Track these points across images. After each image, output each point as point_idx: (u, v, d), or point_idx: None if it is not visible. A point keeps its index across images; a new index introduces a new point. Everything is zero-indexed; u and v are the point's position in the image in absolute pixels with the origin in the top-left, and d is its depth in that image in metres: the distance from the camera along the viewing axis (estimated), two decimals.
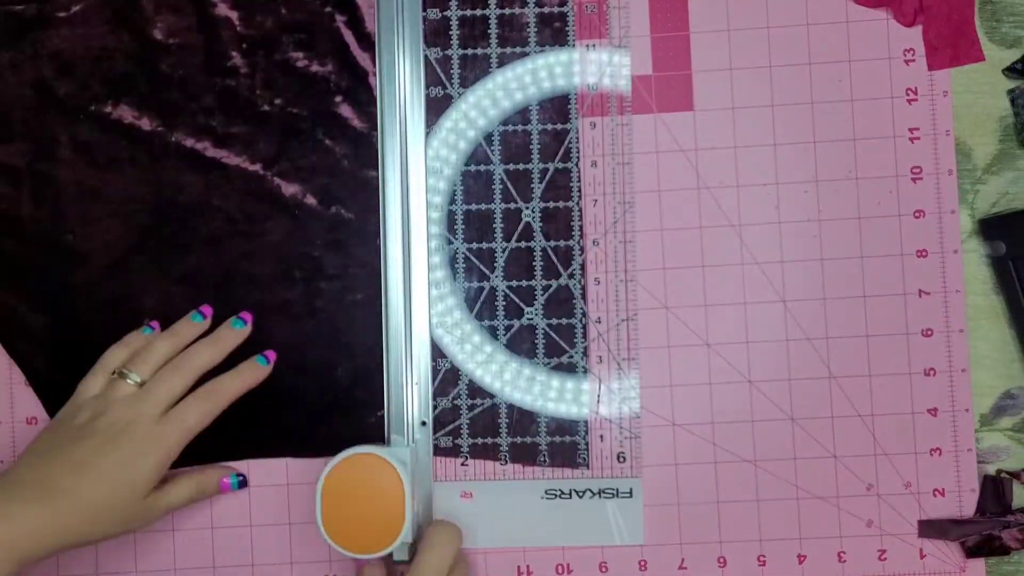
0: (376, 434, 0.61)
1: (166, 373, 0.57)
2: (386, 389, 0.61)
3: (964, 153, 0.61)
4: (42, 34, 0.62)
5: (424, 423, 0.61)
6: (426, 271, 0.61)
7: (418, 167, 0.61)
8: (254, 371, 0.60)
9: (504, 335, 0.61)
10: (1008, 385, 0.61)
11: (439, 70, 0.62)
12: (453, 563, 0.56)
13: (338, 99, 0.62)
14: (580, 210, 0.62)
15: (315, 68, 0.62)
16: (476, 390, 0.61)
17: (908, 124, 0.61)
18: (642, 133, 0.62)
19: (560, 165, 0.62)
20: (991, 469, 0.61)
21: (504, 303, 0.61)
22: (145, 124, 0.62)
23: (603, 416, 0.61)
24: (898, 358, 0.61)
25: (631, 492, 0.60)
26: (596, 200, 0.61)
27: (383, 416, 0.61)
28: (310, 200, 0.62)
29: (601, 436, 0.61)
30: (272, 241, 0.62)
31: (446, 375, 0.61)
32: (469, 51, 0.62)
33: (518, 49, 0.62)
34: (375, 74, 0.62)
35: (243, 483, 0.61)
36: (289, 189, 0.62)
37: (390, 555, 0.57)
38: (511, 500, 0.61)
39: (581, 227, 0.61)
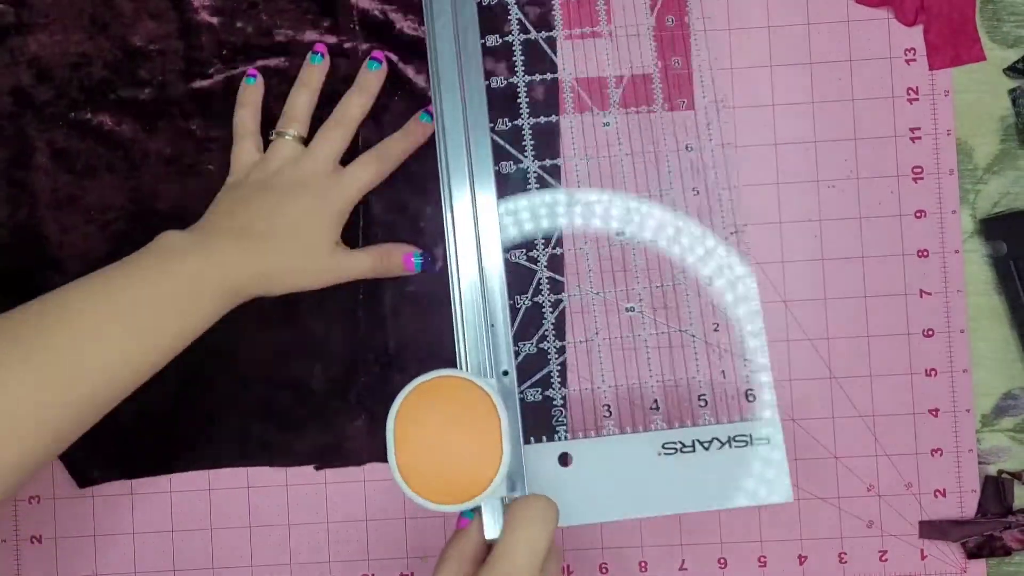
0: (358, 438, 0.61)
1: (328, 130, 0.58)
2: (457, 334, 0.53)
3: (965, 153, 0.61)
4: (19, 40, 0.62)
5: (506, 372, 0.52)
6: (493, 188, 0.54)
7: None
8: (422, 129, 0.59)
9: (595, 256, 0.52)
10: (1009, 386, 0.61)
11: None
12: (547, 550, 0.46)
13: (321, 105, 0.61)
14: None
15: (295, 74, 0.61)
16: (564, 330, 0.53)
17: (909, 124, 0.61)
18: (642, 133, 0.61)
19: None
20: (992, 470, 0.61)
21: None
22: (124, 130, 0.62)
23: (722, 348, 0.52)
24: (899, 358, 0.60)
25: (768, 439, 0.51)
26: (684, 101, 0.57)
27: (360, 424, 0.60)
28: None
29: (723, 372, 0.53)
30: None
31: (528, 314, 0.53)
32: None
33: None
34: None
35: (427, 264, 0.59)
36: None
37: (476, 535, 0.48)
38: (620, 461, 0.51)
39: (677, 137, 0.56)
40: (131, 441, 0.61)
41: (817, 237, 0.61)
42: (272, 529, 0.61)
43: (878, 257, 0.61)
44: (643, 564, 0.61)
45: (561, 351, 0.54)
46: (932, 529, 0.60)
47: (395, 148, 0.59)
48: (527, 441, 0.52)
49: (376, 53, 0.60)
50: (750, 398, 0.52)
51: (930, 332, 0.61)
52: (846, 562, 0.60)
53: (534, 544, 0.44)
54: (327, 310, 0.61)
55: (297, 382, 0.61)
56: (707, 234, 0.52)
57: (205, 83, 0.62)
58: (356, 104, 0.59)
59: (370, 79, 0.60)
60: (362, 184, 0.57)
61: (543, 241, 0.55)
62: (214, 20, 0.62)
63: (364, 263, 0.58)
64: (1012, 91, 0.61)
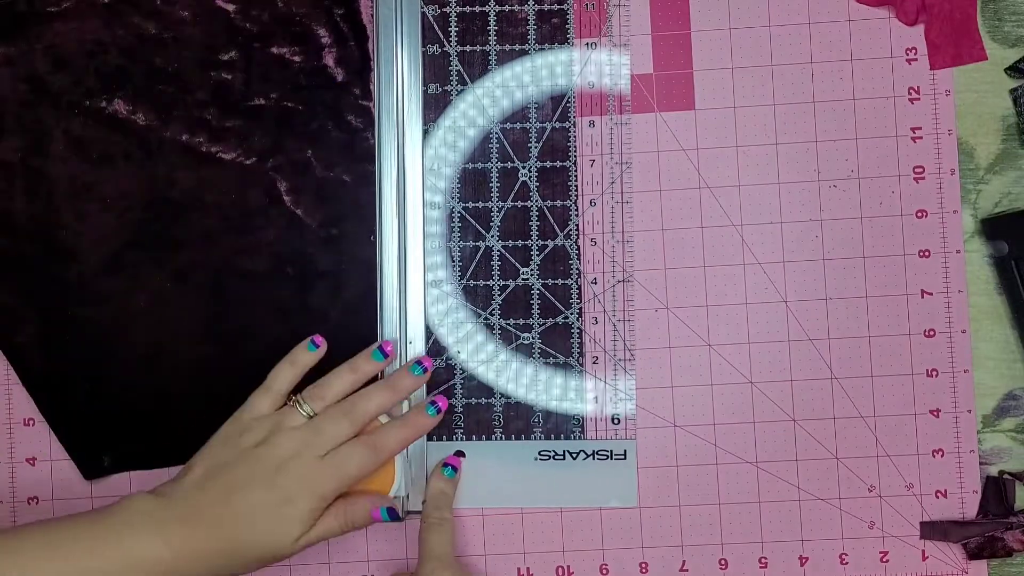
0: None
1: (337, 414, 0.56)
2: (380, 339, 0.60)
3: (966, 153, 0.61)
4: (35, 29, 0.62)
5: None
6: (421, 229, 0.61)
7: (414, 161, 0.61)
8: (422, 420, 0.58)
9: (499, 295, 0.61)
10: (1011, 386, 0.61)
11: (437, 65, 0.62)
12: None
13: (334, 93, 0.62)
14: (577, 171, 0.61)
15: (311, 62, 0.62)
16: (472, 348, 0.61)
17: (910, 123, 0.61)
18: (642, 132, 0.61)
19: (557, 125, 0.61)
20: (993, 470, 0.60)
21: (500, 263, 0.61)
22: (139, 119, 0.62)
23: (599, 379, 0.61)
24: (900, 359, 0.60)
25: (624, 454, 0.60)
26: (593, 160, 0.61)
27: None
28: (306, 197, 0.61)
29: (595, 398, 0.61)
30: (266, 237, 0.61)
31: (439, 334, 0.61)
32: (468, 48, 0.62)
33: (517, 47, 0.61)
34: (372, 69, 0.61)
35: (394, 513, 0.57)
36: (284, 184, 0.61)
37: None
38: (503, 461, 0.61)
39: (578, 187, 0.61)
40: (143, 431, 0.61)
41: (818, 237, 0.61)
42: None
43: (879, 257, 0.60)
44: (644, 565, 0.61)
45: (464, 367, 0.61)
46: (933, 530, 0.60)
47: (391, 439, 0.57)
48: (431, 439, 0.61)
49: (424, 360, 0.59)
50: (615, 421, 0.61)
51: (931, 332, 0.60)
52: (847, 563, 0.60)
53: (445, 547, 0.57)
54: (343, 299, 0.61)
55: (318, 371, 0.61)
56: (598, 279, 0.61)
57: (221, 72, 0.62)
58: (378, 400, 0.57)
59: (404, 382, 0.59)
60: (348, 475, 0.55)
61: (459, 275, 0.61)
62: (230, 7, 0.62)
63: (331, 530, 0.55)
64: (1013, 91, 0.61)
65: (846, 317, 0.60)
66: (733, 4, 0.61)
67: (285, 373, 0.58)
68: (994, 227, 0.60)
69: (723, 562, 0.60)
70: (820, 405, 0.60)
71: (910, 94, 0.61)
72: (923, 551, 0.60)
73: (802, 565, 0.60)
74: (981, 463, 0.60)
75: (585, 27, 0.61)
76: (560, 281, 0.61)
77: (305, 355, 0.58)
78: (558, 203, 0.61)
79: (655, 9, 0.61)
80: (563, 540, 0.61)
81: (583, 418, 0.61)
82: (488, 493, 0.61)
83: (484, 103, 0.61)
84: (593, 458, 0.60)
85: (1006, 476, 0.60)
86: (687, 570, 0.61)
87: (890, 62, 0.61)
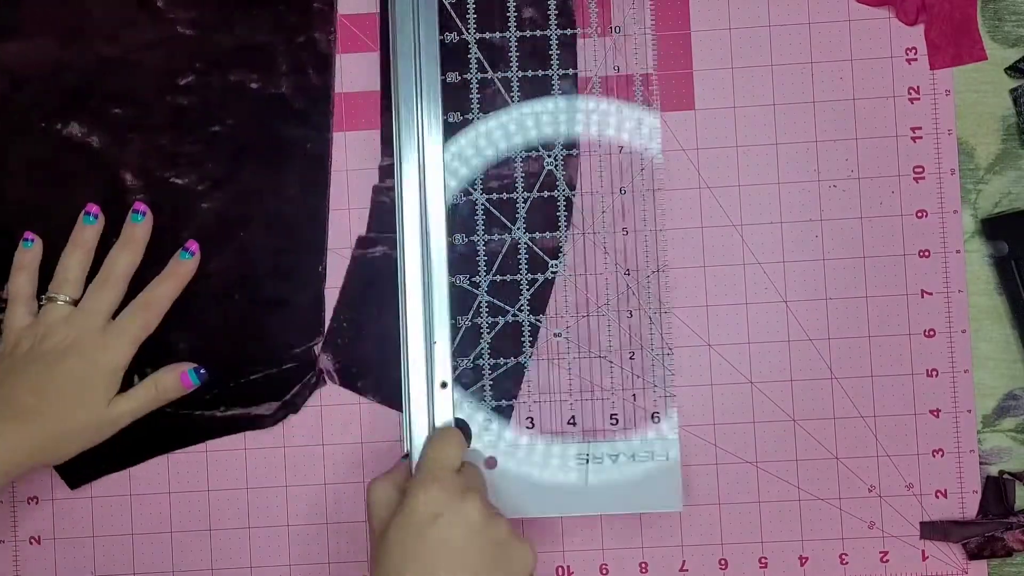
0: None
1: (96, 289, 0.58)
2: (403, 348, 0.58)
3: (966, 153, 0.61)
4: None
5: (444, 384, 0.58)
6: (444, 222, 0.58)
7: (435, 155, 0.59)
8: (182, 268, 0.60)
9: (528, 290, 0.59)
10: (1011, 386, 0.61)
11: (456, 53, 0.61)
12: (461, 463, 0.54)
13: (292, 122, 0.61)
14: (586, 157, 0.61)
15: (269, 90, 0.61)
16: (498, 350, 0.60)
17: (910, 123, 0.61)
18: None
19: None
20: (993, 470, 0.60)
21: (527, 256, 0.60)
22: (95, 141, 0.61)
23: (636, 374, 0.59)
24: (900, 359, 0.60)
25: (667, 455, 0.58)
26: (621, 148, 0.60)
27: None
28: (257, 224, 0.61)
29: (634, 396, 0.59)
30: (218, 263, 0.61)
31: (467, 333, 0.60)
32: (487, 35, 0.61)
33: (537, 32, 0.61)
34: (331, 98, 0.61)
35: (203, 376, 0.60)
36: (237, 211, 0.61)
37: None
38: (538, 467, 0.58)
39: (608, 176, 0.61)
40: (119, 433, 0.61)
41: (818, 237, 0.61)
42: (270, 530, 0.61)
43: (879, 257, 0.60)
44: (643, 565, 0.61)
45: (494, 368, 0.60)
46: (933, 530, 0.60)
47: (160, 293, 0.59)
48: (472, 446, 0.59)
49: (138, 205, 0.60)
50: (656, 419, 0.59)
51: (931, 332, 0.60)
52: (847, 563, 0.60)
53: (445, 458, 0.53)
54: (293, 326, 0.61)
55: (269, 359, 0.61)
56: (631, 272, 0.59)
57: (178, 97, 0.61)
58: (123, 260, 0.59)
59: (135, 233, 0.60)
60: (134, 336, 0.58)
61: (484, 269, 0.60)
62: (189, 32, 0.61)
63: (141, 399, 0.58)
64: (1013, 91, 0.61)
65: (846, 317, 0.60)
66: (733, 4, 0.61)
67: (20, 279, 0.59)
68: (994, 227, 0.60)
69: (723, 562, 0.60)
70: (820, 405, 0.60)
71: (910, 94, 0.61)
72: (923, 551, 0.60)
73: (802, 565, 0.60)
74: (981, 463, 0.60)
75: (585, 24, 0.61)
76: (591, 272, 0.60)
77: (24, 254, 0.60)
78: (587, 192, 0.60)
79: (655, 8, 0.61)
80: (563, 540, 0.61)
81: (620, 416, 0.59)
82: (524, 503, 0.58)
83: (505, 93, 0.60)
84: (634, 459, 0.58)
85: (1006, 476, 0.60)
86: (687, 570, 0.61)
87: (890, 62, 0.61)
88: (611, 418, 0.59)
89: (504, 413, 0.59)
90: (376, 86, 0.62)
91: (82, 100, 0.61)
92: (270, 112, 0.61)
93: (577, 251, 0.60)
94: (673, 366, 0.60)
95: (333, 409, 0.61)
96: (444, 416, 0.57)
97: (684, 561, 0.61)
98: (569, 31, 0.61)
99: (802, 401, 0.60)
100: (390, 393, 0.60)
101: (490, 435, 0.59)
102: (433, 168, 0.59)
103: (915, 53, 0.61)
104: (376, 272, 0.61)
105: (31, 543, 0.62)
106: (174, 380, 0.59)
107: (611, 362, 0.59)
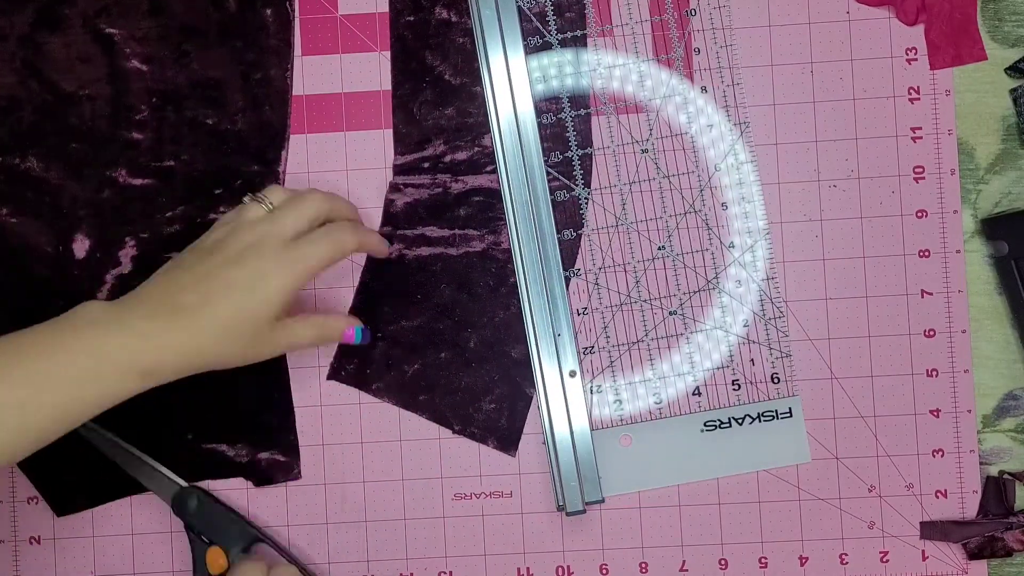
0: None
1: (296, 202, 0.54)
2: (530, 342, 0.59)
3: (966, 153, 0.61)
4: None
5: (573, 373, 0.59)
6: (550, 210, 0.60)
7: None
8: (379, 239, 0.59)
9: (641, 272, 0.60)
10: (1011, 386, 0.61)
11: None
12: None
13: (246, 158, 0.61)
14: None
15: (224, 126, 0.61)
16: (619, 334, 0.61)
17: (910, 123, 0.61)
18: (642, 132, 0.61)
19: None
20: (994, 470, 0.60)
21: (637, 240, 0.61)
22: (52, 176, 0.61)
23: (751, 340, 0.60)
24: (900, 359, 0.60)
25: (790, 412, 0.60)
26: (711, 126, 0.61)
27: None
28: None
29: (752, 360, 0.60)
30: None
31: (586, 322, 0.61)
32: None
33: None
34: (287, 137, 0.61)
35: (367, 336, 0.57)
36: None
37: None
38: (670, 439, 0.60)
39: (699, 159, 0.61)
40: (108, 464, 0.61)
41: (818, 237, 0.61)
42: (272, 531, 0.61)
43: (879, 257, 0.60)
44: (643, 565, 0.61)
45: (617, 352, 0.61)
46: (933, 530, 0.60)
47: (350, 237, 0.55)
48: (595, 429, 0.60)
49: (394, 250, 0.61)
50: (775, 380, 0.61)
51: (931, 332, 0.60)
52: (847, 563, 0.60)
53: None
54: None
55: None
56: (734, 242, 0.61)
57: (132, 132, 0.61)
58: (346, 231, 0.55)
59: (373, 237, 0.58)
60: (308, 265, 0.53)
61: (597, 258, 0.61)
62: (144, 67, 0.61)
63: (305, 333, 0.54)
64: (1013, 91, 0.61)
65: (846, 317, 0.60)
66: (733, 3, 0.61)
67: (278, 188, 0.56)
68: (994, 227, 0.60)
69: (723, 562, 0.60)
70: (820, 405, 0.60)
71: (910, 94, 0.61)
72: (923, 551, 0.60)
73: (802, 565, 0.60)
74: (981, 463, 0.60)
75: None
76: (697, 250, 0.61)
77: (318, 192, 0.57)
78: (683, 173, 0.61)
79: (656, 7, 0.61)
80: (563, 540, 0.61)
81: (741, 382, 0.60)
82: (659, 474, 0.60)
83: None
84: (759, 420, 0.60)
85: (1006, 476, 0.60)
86: (687, 570, 0.61)
87: (890, 62, 0.61)
88: (733, 384, 0.60)
89: (632, 393, 0.60)
90: (377, 86, 0.62)
91: (38, 135, 0.61)
92: (225, 148, 0.61)
93: (681, 229, 0.61)
94: (786, 327, 0.60)
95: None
96: (577, 406, 0.59)
97: (684, 561, 0.60)
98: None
99: (802, 401, 0.60)
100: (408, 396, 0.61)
101: (621, 414, 0.60)
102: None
103: (915, 53, 0.61)
104: (399, 269, 0.61)
105: (31, 543, 0.62)
106: (339, 328, 0.56)
107: (726, 332, 0.60)
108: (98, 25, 0.62)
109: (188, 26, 0.62)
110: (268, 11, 0.62)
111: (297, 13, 0.62)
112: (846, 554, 0.60)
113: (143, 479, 0.60)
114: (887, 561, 0.60)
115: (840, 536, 0.60)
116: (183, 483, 0.60)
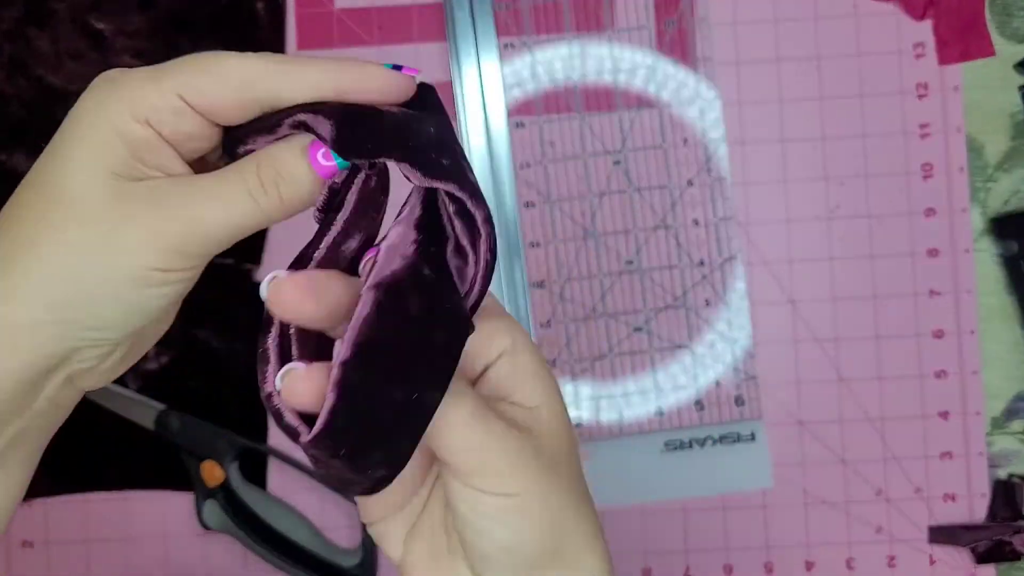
0: None
1: None
2: None
3: (975, 150, 0.60)
4: None
5: None
6: (517, 231, 0.59)
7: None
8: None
9: (607, 286, 0.60)
10: (1020, 387, 0.60)
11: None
12: None
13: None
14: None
15: None
16: (581, 348, 0.60)
17: (918, 120, 0.60)
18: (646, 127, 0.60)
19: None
20: (1003, 473, 0.60)
21: (604, 254, 0.60)
22: None
23: (717, 361, 0.59)
24: (908, 360, 0.59)
25: (753, 435, 0.59)
26: (686, 139, 0.60)
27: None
28: None
29: (717, 382, 0.59)
30: None
31: (549, 335, 0.60)
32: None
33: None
34: None
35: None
36: None
37: None
38: (629, 457, 0.59)
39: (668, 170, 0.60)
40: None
41: (825, 236, 0.60)
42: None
43: (887, 256, 0.59)
44: (647, 571, 0.60)
45: (579, 369, 0.60)
46: (941, 534, 0.59)
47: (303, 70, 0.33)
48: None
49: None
50: (739, 403, 0.60)
51: (940, 333, 0.59)
52: (854, 568, 0.59)
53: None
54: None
55: None
56: (704, 261, 0.60)
57: None
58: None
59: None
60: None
61: (562, 271, 0.60)
62: (135, 63, 0.60)
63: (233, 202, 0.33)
64: (1022, 87, 0.60)
65: (853, 317, 0.59)
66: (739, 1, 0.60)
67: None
68: (1004, 226, 0.59)
69: (728, 567, 0.60)
70: (826, 407, 0.59)
71: (918, 90, 0.60)
72: (931, 556, 0.59)
73: (808, 570, 0.59)
74: (990, 466, 0.59)
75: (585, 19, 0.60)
76: (665, 266, 0.60)
77: None
78: (656, 186, 0.60)
79: (658, 4, 0.60)
80: None
81: (705, 403, 0.59)
82: (618, 493, 0.59)
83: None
84: (721, 442, 0.59)
85: (1015, 479, 0.59)
86: (691, 575, 0.60)
87: (898, 58, 0.60)
88: (696, 404, 0.59)
89: (593, 408, 0.60)
90: None
91: (26, 131, 0.61)
92: None
93: (650, 244, 0.60)
94: (755, 350, 0.59)
95: None
96: None
97: (688, 567, 0.60)
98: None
99: (808, 403, 0.59)
100: None
101: (580, 429, 0.60)
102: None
103: (923, 49, 0.60)
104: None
105: (23, 547, 0.61)
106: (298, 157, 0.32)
107: (692, 351, 0.59)
108: (88, 20, 0.61)
109: (179, 19, 0.61)
110: (259, 5, 0.61)
111: (292, 7, 0.61)
112: (853, 559, 0.59)
113: (120, 410, 0.60)
114: (894, 566, 0.59)
115: (847, 540, 0.59)
116: (161, 405, 0.60)
